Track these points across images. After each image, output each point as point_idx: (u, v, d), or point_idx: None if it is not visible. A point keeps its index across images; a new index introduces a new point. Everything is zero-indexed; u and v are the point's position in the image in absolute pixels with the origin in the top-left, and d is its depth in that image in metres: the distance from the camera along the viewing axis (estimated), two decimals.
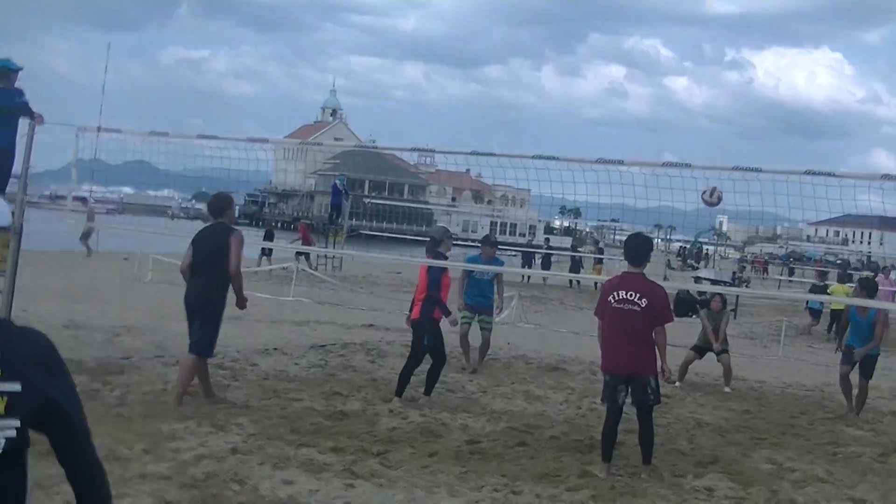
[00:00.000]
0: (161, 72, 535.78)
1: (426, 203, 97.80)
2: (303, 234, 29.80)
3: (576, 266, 35.04)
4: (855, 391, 11.21)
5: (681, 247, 63.96)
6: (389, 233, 50.11)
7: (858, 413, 11.05)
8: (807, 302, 23.69)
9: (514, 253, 37.93)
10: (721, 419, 10.28)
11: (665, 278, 23.18)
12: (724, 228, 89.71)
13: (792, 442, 9.31)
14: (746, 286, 32.38)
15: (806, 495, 7.25)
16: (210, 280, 8.66)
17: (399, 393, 9.60)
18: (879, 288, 15.73)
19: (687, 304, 23.53)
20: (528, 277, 31.19)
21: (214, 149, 12.96)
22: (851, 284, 25.76)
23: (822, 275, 28.65)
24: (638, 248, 7.77)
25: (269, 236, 30.60)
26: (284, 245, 29.67)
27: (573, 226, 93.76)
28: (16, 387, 2.13)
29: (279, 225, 56.40)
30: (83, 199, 16.29)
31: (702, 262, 54.15)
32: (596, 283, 28.99)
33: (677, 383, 11.69)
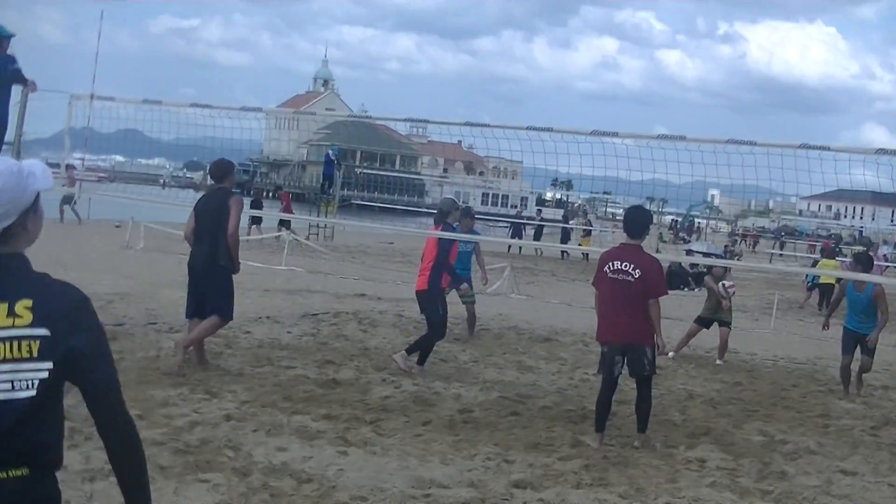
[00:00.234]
0: (152, 41, 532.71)
1: (418, 174, 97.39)
2: (285, 203, 29.79)
3: (565, 237, 35.14)
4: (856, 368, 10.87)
5: (672, 220, 63.94)
6: (381, 203, 49.97)
7: (860, 390, 10.84)
8: (805, 276, 23.73)
9: (506, 224, 37.95)
10: (713, 391, 10.32)
11: (657, 251, 23.16)
12: (717, 202, 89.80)
13: (783, 414, 9.36)
14: (738, 259, 32.45)
15: (797, 467, 7.30)
16: (215, 244, 8.72)
17: (421, 362, 9.71)
18: None
19: (679, 277, 23.61)
20: (521, 248, 31.19)
21: (207, 117, 12.94)
22: (842, 259, 25.84)
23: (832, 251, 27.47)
24: (636, 221, 7.77)
25: (256, 205, 30.54)
26: (275, 213, 29.58)
27: (565, 198, 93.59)
28: (45, 332, 2.25)
29: (267, 195, 56.05)
30: (69, 166, 16.21)
31: (693, 236, 54.27)
32: (587, 255, 29.09)
33: (671, 354, 11.70)
